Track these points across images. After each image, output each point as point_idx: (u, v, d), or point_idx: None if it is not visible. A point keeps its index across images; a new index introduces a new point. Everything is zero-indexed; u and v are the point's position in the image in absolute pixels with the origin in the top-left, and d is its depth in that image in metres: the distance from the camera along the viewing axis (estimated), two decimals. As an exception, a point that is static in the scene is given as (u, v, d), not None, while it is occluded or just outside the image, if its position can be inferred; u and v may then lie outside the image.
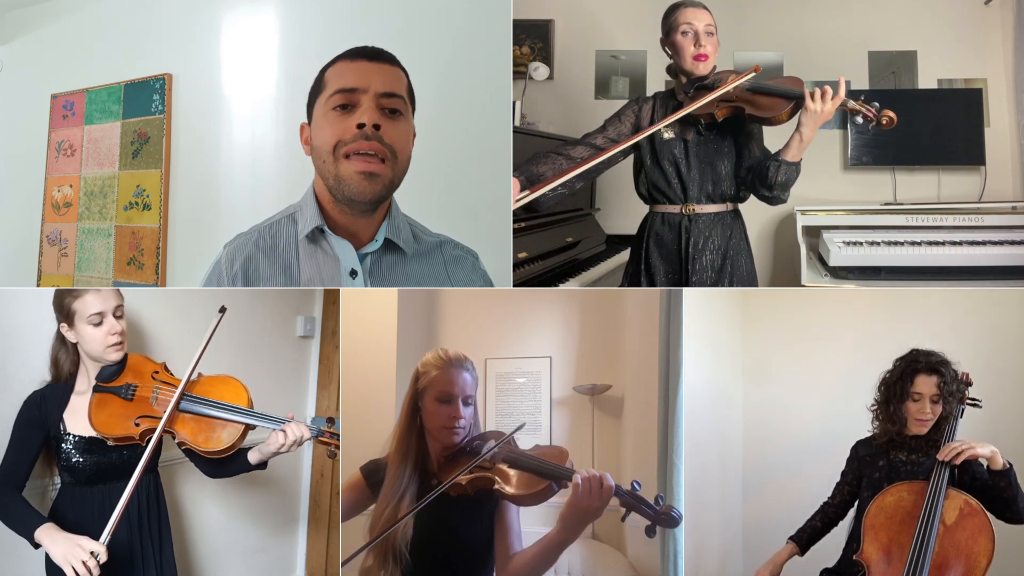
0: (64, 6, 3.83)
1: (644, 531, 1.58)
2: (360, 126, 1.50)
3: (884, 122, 2.16)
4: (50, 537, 1.75)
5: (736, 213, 2.36)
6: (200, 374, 1.97)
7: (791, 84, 2.21)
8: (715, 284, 2.32)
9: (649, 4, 3.88)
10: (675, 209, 2.33)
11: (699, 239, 2.30)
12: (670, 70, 2.36)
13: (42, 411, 1.91)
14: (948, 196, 3.64)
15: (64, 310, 1.91)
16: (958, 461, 1.81)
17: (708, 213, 2.31)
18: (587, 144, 2.34)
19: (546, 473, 1.65)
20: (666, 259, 2.35)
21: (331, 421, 1.96)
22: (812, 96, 2.11)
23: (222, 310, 1.98)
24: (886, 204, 3.64)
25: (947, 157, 3.67)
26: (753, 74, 2.20)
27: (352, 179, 1.51)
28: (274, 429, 1.92)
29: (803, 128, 2.14)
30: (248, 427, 1.93)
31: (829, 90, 2.11)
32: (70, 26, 3.80)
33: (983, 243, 3.34)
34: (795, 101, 2.15)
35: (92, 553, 1.68)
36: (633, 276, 2.43)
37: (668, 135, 2.30)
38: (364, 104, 1.52)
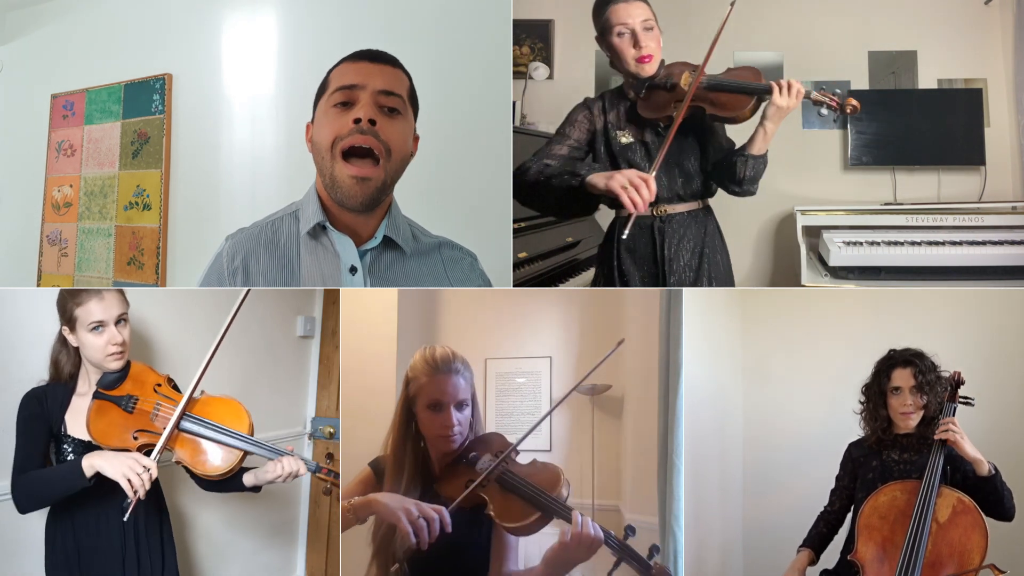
0: (64, 6, 3.83)
1: None
2: (356, 121, 1.53)
3: (848, 110, 2.10)
4: (100, 456, 1.79)
5: (708, 210, 2.27)
6: (204, 392, 1.95)
7: (748, 76, 2.11)
8: (694, 284, 2.24)
9: (654, 6, 3.89)
10: (645, 211, 2.21)
11: (674, 239, 2.21)
12: (614, 66, 2.24)
13: (44, 407, 1.90)
14: (948, 196, 3.63)
15: (66, 314, 1.90)
16: (945, 436, 1.82)
17: (681, 212, 2.22)
18: (555, 156, 2.21)
19: (538, 505, 1.63)
20: (639, 263, 2.25)
21: (330, 457, 1.94)
22: (780, 91, 2.03)
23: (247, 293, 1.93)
24: (886, 204, 3.64)
25: (947, 157, 3.67)
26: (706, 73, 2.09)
27: (344, 182, 1.54)
28: (271, 459, 1.91)
29: (768, 122, 2.06)
30: (246, 453, 1.92)
31: (794, 83, 2.03)
32: (70, 26, 3.80)
33: (983, 243, 3.34)
34: (757, 96, 2.07)
35: (145, 467, 1.76)
36: (606, 283, 2.34)
37: (625, 139, 2.19)
38: (362, 100, 1.55)
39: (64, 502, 1.93)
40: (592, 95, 3.99)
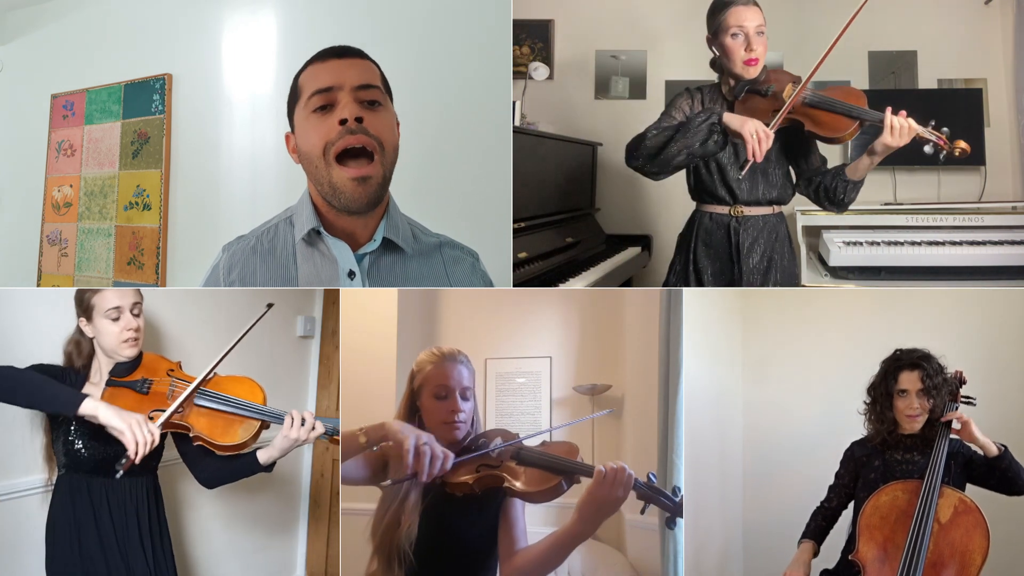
0: (64, 6, 3.83)
1: (664, 523, 1.57)
2: (343, 122, 1.49)
3: (957, 153, 2.11)
4: (107, 405, 1.75)
5: (781, 216, 2.37)
6: (216, 374, 1.98)
7: (851, 99, 2.16)
8: (762, 285, 2.34)
9: (649, 4, 3.89)
10: (723, 210, 2.32)
11: (747, 240, 2.31)
12: (715, 65, 2.32)
13: (61, 376, 1.90)
14: (948, 196, 3.63)
15: (84, 304, 1.95)
16: (954, 425, 1.85)
17: (756, 216, 2.31)
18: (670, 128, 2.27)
19: (558, 469, 1.62)
20: (714, 258, 2.35)
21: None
22: (892, 132, 2.07)
23: (269, 306, 1.99)
24: (886, 204, 3.64)
25: (947, 157, 3.66)
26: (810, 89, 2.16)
27: (346, 187, 1.50)
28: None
29: (876, 156, 2.14)
30: (263, 425, 1.93)
31: (906, 123, 2.08)
32: (70, 26, 3.80)
33: (983, 243, 3.34)
34: (859, 122, 2.12)
35: (150, 431, 1.73)
36: (680, 273, 2.43)
37: (716, 137, 2.23)
38: (342, 100, 1.51)
39: (61, 494, 1.93)
40: (592, 95, 4.05)
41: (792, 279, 2.38)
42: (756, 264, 2.32)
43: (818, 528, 2.06)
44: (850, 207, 2.29)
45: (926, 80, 3.72)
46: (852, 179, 2.21)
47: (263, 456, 1.96)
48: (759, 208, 2.31)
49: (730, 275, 2.34)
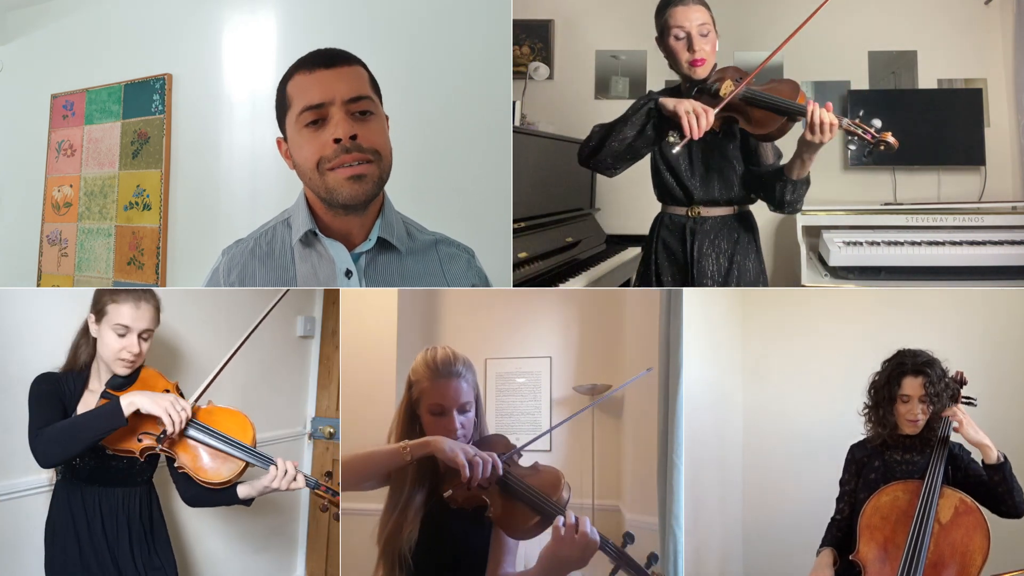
0: (64, 6, 3.83)
1: None
2: (337, 140, 1.51)
3: (883, 147, 2.00)
4: (139, 394, 1.82)
5: (744, 215, 2.30)
6: (211, 402, 1.97)
7: (786, 92, 2.09)
8: (723, 286, 2.28)
9: (649, 4, 3.89)
10: (681, 211, 2.29)
11: (703, 242, 2.26)
12: (672, 67, 2.28)
13: (59, 388, 1.90)
14: (948, 196, 3.64)
15: (99, 305, 1.92)
16: (953, 422, 1.84)
17: (714, 216, 2.26)
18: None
19: (537, 508, 1.64)
20: (672, 261, 2.31)
21: (329, 476, 1.93)
22: (812, 129, 1.99)
23: (286, 291, 1.94)
24: (886, 204, 3.64)
25: (947, 157, 3.67)
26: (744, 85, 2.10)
27: (342, 186, 1.52)
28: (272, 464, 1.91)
29: (805, 156, 2.08)
30: (249, 464, 1.92)
31: (827, 117, 1.97)
32: (70, 26, 3.80)
33: (983, 243, 3.34)
34: (788, 117, 2.05)
35: (183, 408, 1.84)
36: (643, 276, 2.39)
37: (671, 138, 2.22)
38: (335, 116, 1.52)
39: (59, 500, 1.93)
40: (592, 95, 4.05)
41: (757, 279, 2.31)
42: (715, 267, 2.25)
43: (834, 539, 2.00)
44: (800, 207, 2.21)
45: (926, 80, 3.73)
46: (790, 178, 2.12)
47: (243, 492, 1.96)
48: (717, 208, 2.26)
49: (684, 278, 2.29)
